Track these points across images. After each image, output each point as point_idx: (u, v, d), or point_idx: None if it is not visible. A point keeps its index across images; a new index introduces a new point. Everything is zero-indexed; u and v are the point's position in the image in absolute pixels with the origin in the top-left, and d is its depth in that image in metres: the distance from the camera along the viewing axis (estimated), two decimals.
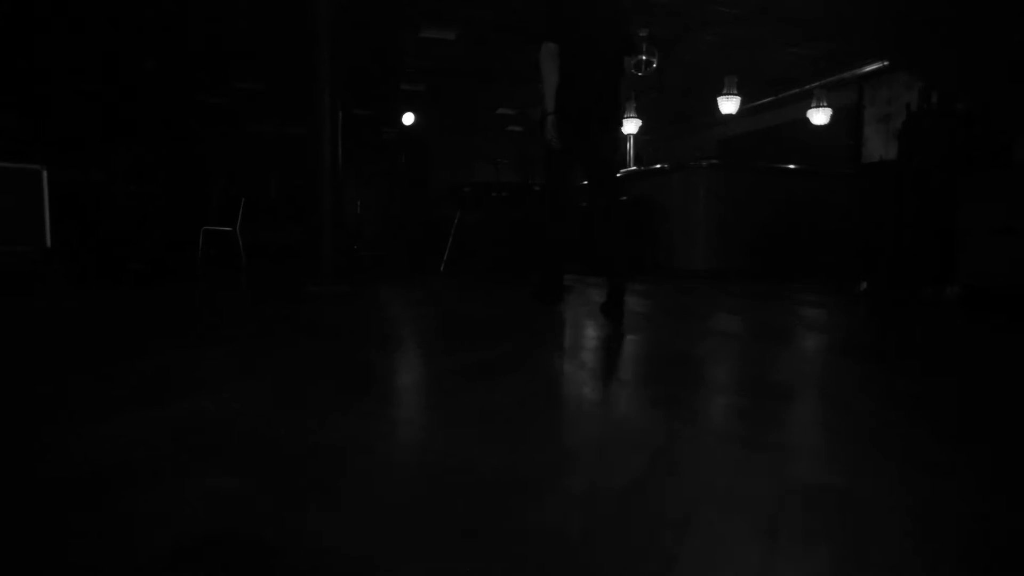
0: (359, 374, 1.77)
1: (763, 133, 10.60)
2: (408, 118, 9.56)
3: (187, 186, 8.18)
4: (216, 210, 8.43)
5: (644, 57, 6.62)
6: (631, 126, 8.84)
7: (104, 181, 4.85)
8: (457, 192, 6.73)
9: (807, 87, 8.59)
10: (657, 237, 7.39)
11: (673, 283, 5.32)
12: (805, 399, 1.59)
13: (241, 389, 1.55)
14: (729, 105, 7.41)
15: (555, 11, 2.93)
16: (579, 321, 2.85)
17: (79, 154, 6.28)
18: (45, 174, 4.80)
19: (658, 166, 7.72)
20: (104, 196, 4.59)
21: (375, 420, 1.30)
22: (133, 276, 4.72)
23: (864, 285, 3.93)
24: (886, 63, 7.46)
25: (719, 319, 3.01)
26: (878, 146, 8.25)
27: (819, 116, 7.80)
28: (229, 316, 2.96)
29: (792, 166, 7.48)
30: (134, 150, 7.32)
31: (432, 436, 1.23)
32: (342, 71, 4.68)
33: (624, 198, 7.46)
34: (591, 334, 2.52)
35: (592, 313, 3.01)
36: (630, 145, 10.11)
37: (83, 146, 6.58)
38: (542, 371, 1.85)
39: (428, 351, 2.18)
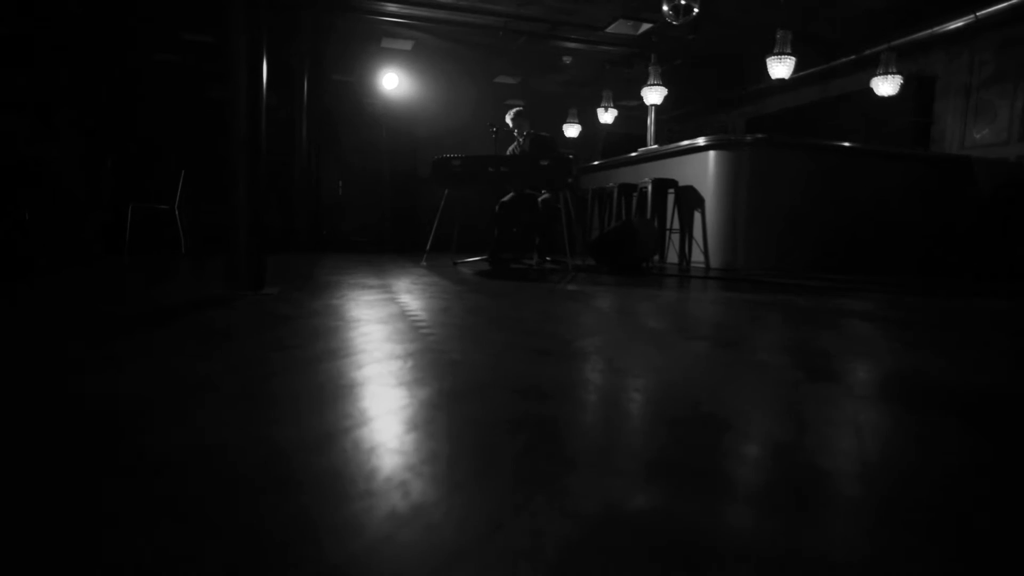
0: None
1: (802, 111, 9.18)
2: (391, 81, 8.14)
3: (94, 153, 6.74)
4: (154, 185, 7.07)
5: (684, 2, 5.24)
6: (655, 95, 7.45)
7: None
8: (444, 168, 5.37)
9: (865, 53, 7.19)
10: (688, 230, 6.05)
11: (712, 289, 3.95)
12: None
13: None
14: (781, 68, 6.02)
15: None
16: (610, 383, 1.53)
17: None
18: None
19: (686, 143, 6.36)
20: None
21: None
22: None
23: None
24: (975, 16, 6.03)
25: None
26: (955, 125, 6.85)
27: (886, 86, 6.41)
28: None
29: (845, 144, 6.13)
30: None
31: None
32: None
33: (646, 180, 6.12)
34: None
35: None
36: (650, 121, 8.72)
37: None
38: None
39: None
